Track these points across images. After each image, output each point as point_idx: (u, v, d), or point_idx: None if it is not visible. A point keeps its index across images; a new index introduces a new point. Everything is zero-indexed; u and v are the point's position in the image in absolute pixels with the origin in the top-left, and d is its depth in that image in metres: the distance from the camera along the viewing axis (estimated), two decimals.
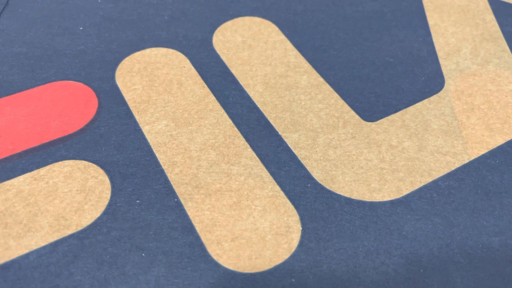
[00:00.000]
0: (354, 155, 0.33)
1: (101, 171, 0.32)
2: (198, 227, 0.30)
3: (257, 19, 0.43)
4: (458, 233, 0.30)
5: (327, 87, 0.38)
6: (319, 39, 0.42)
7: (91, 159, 0.33)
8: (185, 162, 0.33)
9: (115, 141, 0.34)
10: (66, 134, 0.34)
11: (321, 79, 0.38)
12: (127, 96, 0.37)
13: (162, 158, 0.33)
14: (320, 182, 0.32)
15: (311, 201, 0.31)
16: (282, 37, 0.42)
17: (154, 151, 0.33)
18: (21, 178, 0.32)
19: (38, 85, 0.37)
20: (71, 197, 0.31)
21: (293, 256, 0.29)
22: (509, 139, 0.35)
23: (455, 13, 0.44)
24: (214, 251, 0.29)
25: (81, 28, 0.42)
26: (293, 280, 0.28)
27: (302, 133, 0.35)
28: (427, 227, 0.30)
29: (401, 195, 0.32)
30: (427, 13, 0.45)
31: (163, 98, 0.37)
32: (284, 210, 0.31)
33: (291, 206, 0.31)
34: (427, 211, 0.31)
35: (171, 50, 0.40)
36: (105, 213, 0.30)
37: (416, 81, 0.39)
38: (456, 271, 0.28)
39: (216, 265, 0.28)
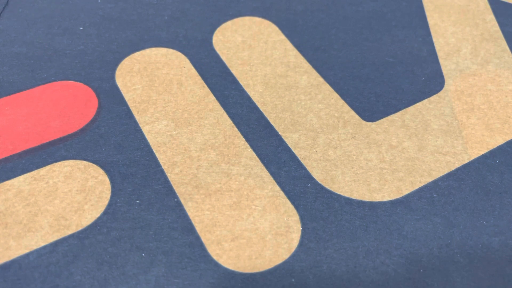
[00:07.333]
0: (354, 155, 0.33)
1: (101, 171, 0.32)
2: (198, 227, 0.30)
3: (257, 19, 0.43)
4: (458, 233, 0.30)
5: (327, 87, 0.38)
6: (319, 39, 0.42)
7: (91, 159, 0.33)
8: (185, 162, 0.33)
9: (115, 141, 0.34)
10: (66, 134, 0.34)
11: (321, 79, 0.38)
12: (127, 96, 0.37)
13: (162, 158, 0.33)
14: (320, 182, 0.32)
15: (311, 201, 0.31)
16: (282, 37, 0.42)
17: (154, 151, 0.33)
18: (21, 178, 0.32)
19: (38, 85, 0.37)
20: (71, 197, 0.31)
21: (293, 256, 0.29)
22: (509, 139, 0.35)
23: (455, 13, 0.44)
24: (214, 251, 0.29)
25: (81, 28, 0.42)
26: (293, 280, 0.28)
27: (302, 133, 0.35)
28: (427, 227, 0.30)
29: (401, 195, 0.32)
30: (427, 13, 0.45)
31: (163, 98, 0.37)
32: (284, 210, 0.31)
33: (291, 206, 0.31)
34: (427, 211, 0.31)
35: (171, 50, 0.40)
36: (105, 213, 0.30)
37: (416, 81, 0.39)
38: (456, 271, 0.28)
39: (216, 265, 0.28)
